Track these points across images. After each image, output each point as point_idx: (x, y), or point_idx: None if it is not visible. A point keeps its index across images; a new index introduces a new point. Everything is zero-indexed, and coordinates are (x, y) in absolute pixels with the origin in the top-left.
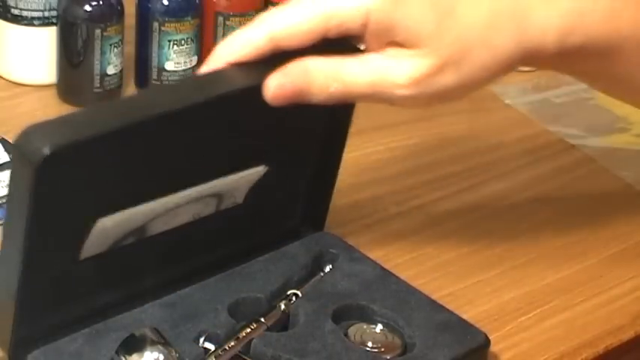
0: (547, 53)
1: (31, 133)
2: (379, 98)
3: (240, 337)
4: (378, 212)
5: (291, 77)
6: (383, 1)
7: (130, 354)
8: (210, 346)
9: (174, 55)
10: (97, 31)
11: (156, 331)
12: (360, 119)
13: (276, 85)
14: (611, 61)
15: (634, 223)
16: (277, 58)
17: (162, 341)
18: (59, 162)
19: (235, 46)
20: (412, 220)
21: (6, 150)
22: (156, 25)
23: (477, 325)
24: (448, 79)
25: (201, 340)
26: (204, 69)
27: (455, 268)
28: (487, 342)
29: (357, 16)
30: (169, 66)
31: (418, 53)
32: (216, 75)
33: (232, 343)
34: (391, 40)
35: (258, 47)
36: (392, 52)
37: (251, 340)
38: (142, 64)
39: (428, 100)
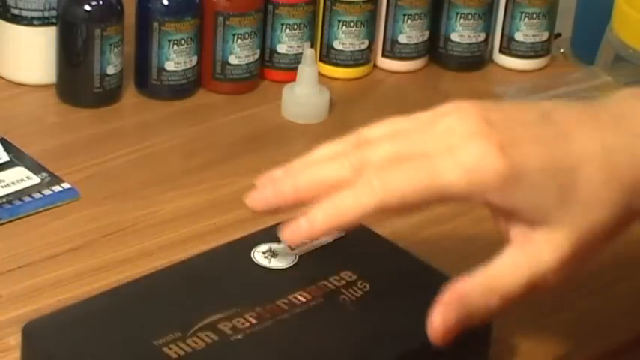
0: None
1: None
2: (534, 289)
3: None
4: None
5: (452, 312)
6: (500, 183)
7: None
8: None
9: (174, 55)
10: (97, 31)
11: None
12: (360, 119)
13: (441, 325)
14: None
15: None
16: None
17: None
18: None
19: (342, 212)
20: (413, 221)
21: (6, 150)
22: (156, 25)
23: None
24: (595, 246)
25: None
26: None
27: (454, 268)
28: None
29: (472, 199)
30: (169, 66)
31: (552, 231)
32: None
33: None
34: (514, 218)
35: (366, 214)
36: (525, 241)
37: None
38: (142, 64)
39: (581, 268)
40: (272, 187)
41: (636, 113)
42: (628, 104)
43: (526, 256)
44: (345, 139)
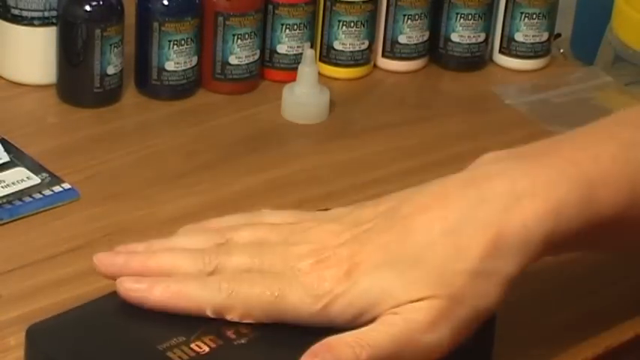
0: (534, 255)
1: None
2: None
3: None
4: None
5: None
6: (342, 303)
7: None
8: None
9: (174, 55)
10: (97, 31)
11: None
12: (360, 119)
13: None
14: (597, 235)
15: None
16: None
17: None
18: None
19: (182, 296)
20: None
21: (6, 150)
22: (156, 25)
23: None
24: (467, 309)
25: None
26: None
27: None
28: None
29: (315, 320)
30: (169, 66)
31: (414, 303)
32: None
33: None
34: (369, 316)
35: (203, 309)
36: (393, 312)
37: None
38: (142, 64)
39: (452, 337)
40: (126, 255)
41: (489, 176)
42: (483, 169)
43: (395, 318)
44: (209, 233)
